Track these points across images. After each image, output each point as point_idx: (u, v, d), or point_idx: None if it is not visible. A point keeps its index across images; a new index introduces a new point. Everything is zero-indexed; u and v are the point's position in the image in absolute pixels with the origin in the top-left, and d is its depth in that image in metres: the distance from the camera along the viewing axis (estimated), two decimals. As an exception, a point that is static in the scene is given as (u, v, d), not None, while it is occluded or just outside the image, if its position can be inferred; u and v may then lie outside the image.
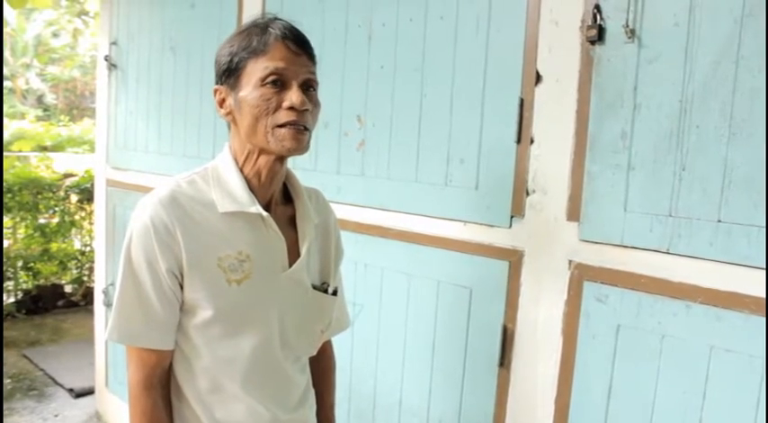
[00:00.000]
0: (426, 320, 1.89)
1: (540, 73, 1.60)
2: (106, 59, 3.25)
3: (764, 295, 1.26)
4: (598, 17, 1.48)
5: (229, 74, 1.19)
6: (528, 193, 1.64)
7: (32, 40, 15.47)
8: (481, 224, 1.74)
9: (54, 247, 5.79)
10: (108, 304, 3.36)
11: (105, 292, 3.36)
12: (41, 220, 5.76)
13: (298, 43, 1.17)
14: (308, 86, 1.19)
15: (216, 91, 1.24)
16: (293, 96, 1.14)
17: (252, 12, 2.40)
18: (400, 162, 1.92)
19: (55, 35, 15.99)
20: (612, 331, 1.50)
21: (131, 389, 1.23)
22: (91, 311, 5.47)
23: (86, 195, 5.91)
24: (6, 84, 15.44)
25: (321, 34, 2.13)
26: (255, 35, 1.16)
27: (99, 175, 3.46)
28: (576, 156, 1.55)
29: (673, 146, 1.39)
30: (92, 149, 9.36)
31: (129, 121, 3.16)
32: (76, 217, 5.98)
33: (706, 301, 1.35)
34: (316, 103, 1.21)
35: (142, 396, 1.21)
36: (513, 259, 1.68)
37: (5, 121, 10.06)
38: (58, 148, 9.05)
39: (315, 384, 1.48)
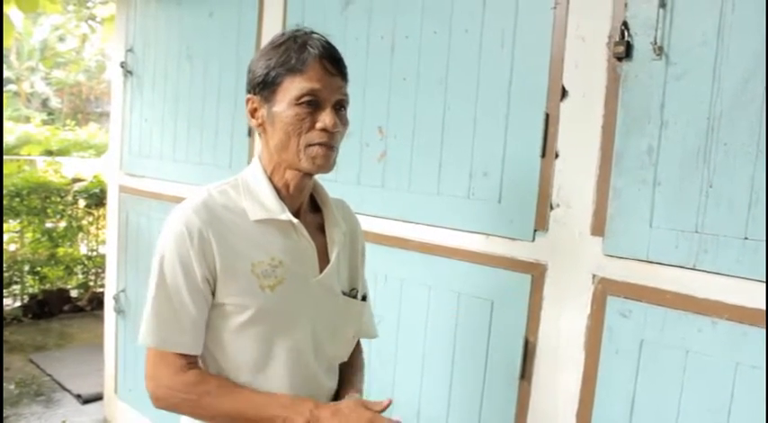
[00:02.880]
0: (446, 332, 1.89)
1: (566, 88, 1.61)
2: (122, 66, 3.27)
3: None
4: (626, 34, 1.49)
5: (264, 86, 1.22)
6: (552, 207, 1.65)
7: (38, 43, 15.51)
8: (504, 237, 1.75)
9: (61, 251, 5.80)
10: (119, 311, 3.36)
11: (116, 299, 3.36)
12: (49, 225, 5.77)
13: (334, 64, 1.21)
14: (340, 106, 1.23)
15: (248, 100, 1.26)
16: (326, 119, 1.18)
17: (272, 22, 2.42)
18: (422, 174, 1.93)
19: (61, 39, 16.03)
20: (636, 346, 1.50)
21: (170, 390, 1.20)
22: (97, 317, 5.49)
23: (94, 200, 5.92)
24: (11, 87, 15.48)
25: (343, 45, 2.11)
26: (294, 52, 1.19)
27: (112, 182, 3.46)
28: (601, 171, 1.55)
29: (700, 163, 1.40)
30: (98, 154, 9.39)
31: (145, 128, 3.17)
32: (84, 222, 6.00)
33: (732, 317, 1.35)
34: (345, 123, 1.25)
35: (187, 381, 1.19)
36: (536, 273, 1.68)
37: (11, 124, 10.08)
38: (63, 152, 9.08)
39: (341, 378, 1.46)
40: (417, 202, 1.94)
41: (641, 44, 1.48)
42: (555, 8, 1.63)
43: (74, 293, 6.05)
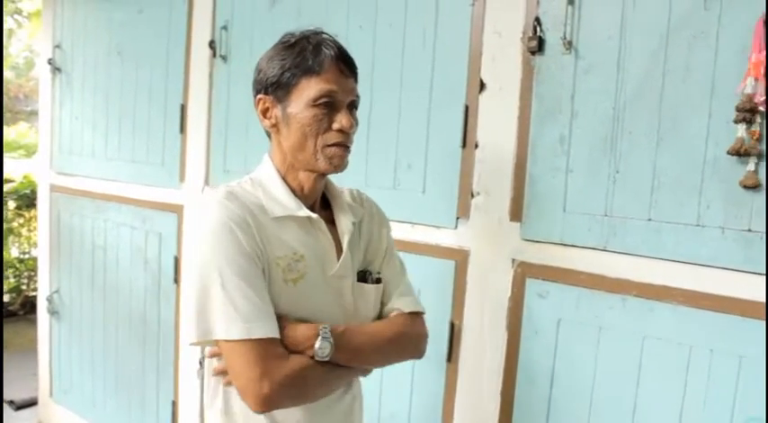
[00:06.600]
0: (377, 319, 1.94)
1: (484, 81, 1.69)
2: (50, 63, 3.20)
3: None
4: (538, 29, 1.57)
5: (278, 87, 1.22)
6: (473, 196, 1.72)
7: (-38, 40, 14.88)
8: (428, 225, 1.81)
9: (-10, 255, 5.61)
10: (53, 312, 3.30)
11: (50, 300, 3.30)
12: (-24, 228, 5.57)
13: (348, 65, 1.24)
14: (353, 106, 1.26)
15: (260, 100, 1.26)
16: (343, 120, 1.21)
17: (201, 19, 2.43)
18: (349, 167, 1.96)
19: (-14, 36, 15.40)
20: (554, 325, 1.59)
21: (292, 379, 1.13)
22: (30, 321, 5.32)
23: (25, 202, 5.75)
24: (-66, 86, 14.78)
25: (271, 41, 2.16)
26: (309, 53, 1.20)
27: (42, 181, 3.39)
28: (518, 159, 1.63)
29: (607, 150, 1.49)
30: (28, 154, 9.06)
31: (75, 125, 3.11)
32: (14, 224, 5.81)
33: (640, 294, 1.45)
34: (357, 123, 1.26)
35: (289, 364, 1.14)
36: (460, 259, 1.75)
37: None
38: (-10, 153, 8.74)
39: None
40: (347, 194, 1.98)
41: (552, 39, 1.56)
42: (473, 5, 1.70)
43: (5, 298, 5.86)
